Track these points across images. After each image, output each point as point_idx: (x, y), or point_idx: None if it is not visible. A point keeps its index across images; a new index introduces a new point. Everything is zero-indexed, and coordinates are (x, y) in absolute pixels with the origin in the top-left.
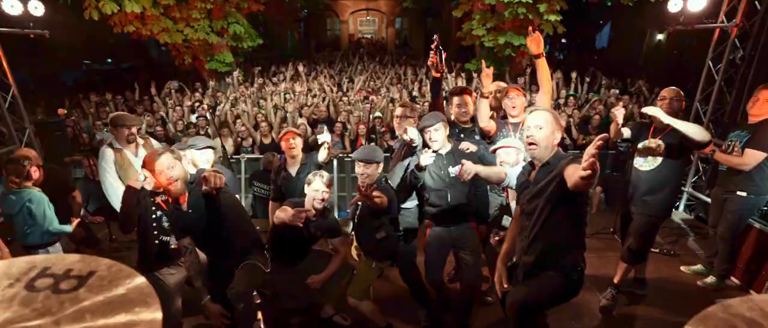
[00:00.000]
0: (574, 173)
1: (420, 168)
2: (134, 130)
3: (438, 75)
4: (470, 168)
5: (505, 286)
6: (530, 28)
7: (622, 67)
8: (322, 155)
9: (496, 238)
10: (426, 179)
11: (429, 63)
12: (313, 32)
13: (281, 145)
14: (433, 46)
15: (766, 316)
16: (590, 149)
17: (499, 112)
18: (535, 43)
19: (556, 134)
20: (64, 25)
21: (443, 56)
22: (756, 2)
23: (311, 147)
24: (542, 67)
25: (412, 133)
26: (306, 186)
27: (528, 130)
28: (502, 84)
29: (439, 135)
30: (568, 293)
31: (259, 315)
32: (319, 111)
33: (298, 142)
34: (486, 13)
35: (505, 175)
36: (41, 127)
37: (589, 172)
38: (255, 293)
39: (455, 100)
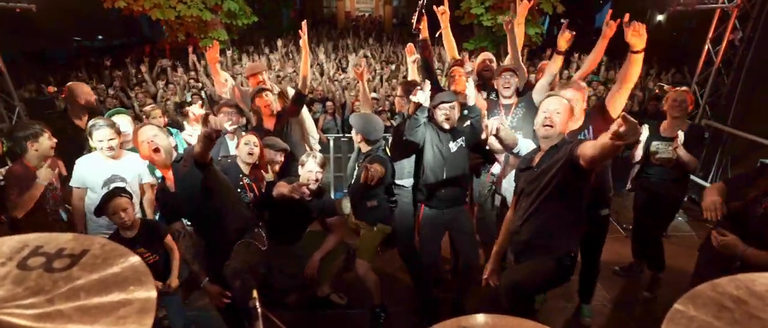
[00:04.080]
0: (596, 142)
1: (418, 106)
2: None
3: (425, 37)
4: (494, 123)
5: (494, 279)
6: (564, 26)
7: (622, 48)
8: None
9: None
10: (425, 155)
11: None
12: (309, 10)
13: (256, 103)
14: (418, 8)
15: (751, 294)
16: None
17: (486, 88)
18: (565, 40)
19: (568, 123)
20: (52, 0)
21: (424, 19)
22: None
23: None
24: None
25: (420, 97)
26: (300, 167)
27: (546, 112)
28: (491, 55)
29: (453, 113)
30: (561, 278)
31: (255, 294)
32: (315, 90)
33: (271, 98)
34: None
35: (517, 141)
36: (31, 105)
37: (623, 126)
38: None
39: (452, 71)
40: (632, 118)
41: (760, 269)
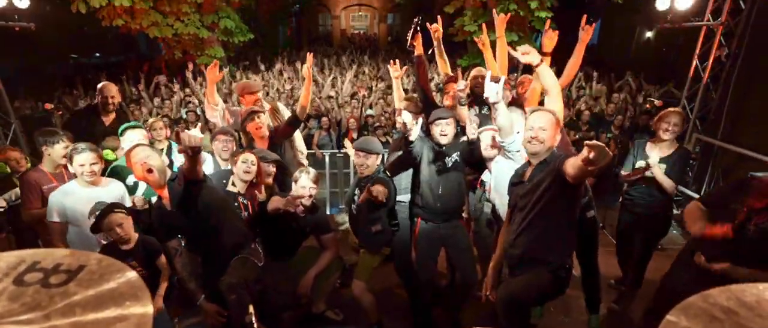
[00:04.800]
0: (575, 162)
1: (409, 142)
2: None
3: (419, 53)
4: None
5: (494, 295)
6: (547, 25)
7: (612, 64)
8: None
9: None
10: (421, 170)
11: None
12: (305, 27)
13: (247, 128)
14: (413, 26)
15: (742, 304)
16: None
17: (478, 103)
18: (550, 40)
19: (556, 136)
20: (50, 18)
21: (418, 36)
22: (740, 1)
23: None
24: (545, 72)
25: (405, 117)
26: (293, 183)
27: (532, 130)
28: (484, 69)
29: (449, 129)
30: (556, 290)
31: (251, 309)
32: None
33: (264, 120)
34: (477, 10)
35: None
36: (27, 121)
37: (591, 152)
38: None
39: (446, 87)
40: (600, 144)
41: None
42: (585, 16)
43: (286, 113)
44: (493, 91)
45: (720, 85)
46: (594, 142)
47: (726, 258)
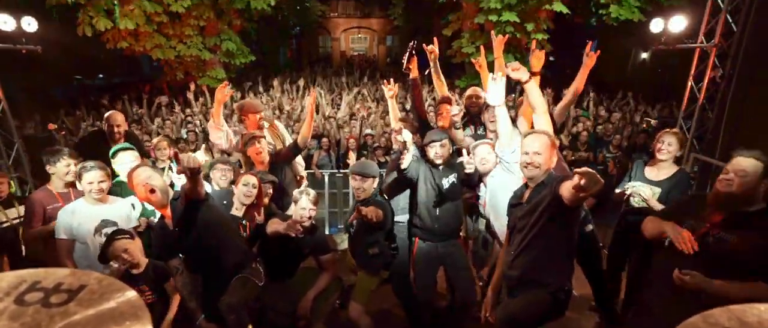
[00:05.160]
0: (569, 185)
1: (401, 170)
2: None
3: (415, 76)
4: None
5: (493, 315)
6: (533, 45)
7: (608, 85)
8: None
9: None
10: (418, 191)
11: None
12: (306, 49)
13: (248, 153)
14: (409, 49)
15: (743, 324)
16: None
17: (474, 123)
18: (538, 59)
19: (552, 157)
20: (55, 41)
21: (414, 59)
22: (733, 24)
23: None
24: (532, 89)
25: (405, 136)
26: (292, 204)
27: (527, 155)
28: (479, 90)
29: (444, 151)
30: (555, 312)
31: None
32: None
33: (264, 145)
34: (475, 32)
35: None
36: (30, 142)
37: (582, 179)
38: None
39: (440, 108)
40: (590, 170)
41: (731, 301)
42: (590, 42)
43: (286, 133)
44: (494, 93)
45: (716, 105)
46: (584, 169)
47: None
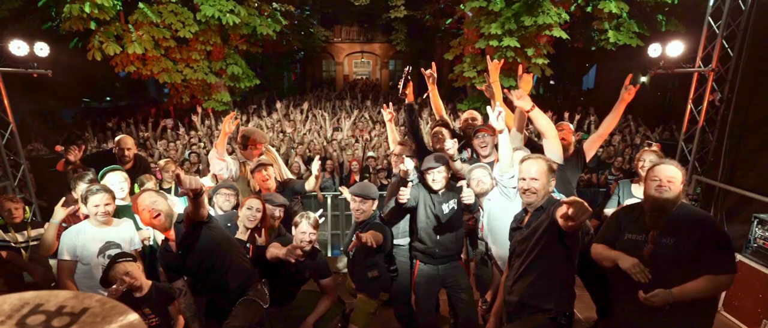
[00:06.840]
0: (560, 213)
1: (399, 202)
2: None
3: (410, 101)
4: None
5: None
6: (520, 70)
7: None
8: (309, 184)
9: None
10: (419, 216)
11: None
12: (309, 73)
13: (255, 179)
14: (404, 75)
15: None
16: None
17: (470, 145)
18: (526, 84)
19: (551, 182)
20: (64, 65)
21: (409, 84)
22: (728, 49)
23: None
24: (538, 116)
25: (408, 164)
26: (293, 228)
27: (524, 181)
28: (476, 113)
29: (442, 176)
30: None
31: None
32: (313, 149)
33: (271, 172)
34: (476, 57)
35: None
36: (36, 163)
37: (569, 209)
38: None
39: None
40: (579, 199)
41: (691, 302)
42: (630, 75)
43: (283, 166)
44: (496, 120)
45: (716, 127)
46: (572, 198)
47: (655, 285)
